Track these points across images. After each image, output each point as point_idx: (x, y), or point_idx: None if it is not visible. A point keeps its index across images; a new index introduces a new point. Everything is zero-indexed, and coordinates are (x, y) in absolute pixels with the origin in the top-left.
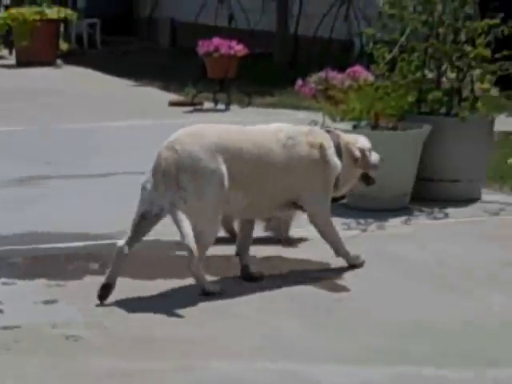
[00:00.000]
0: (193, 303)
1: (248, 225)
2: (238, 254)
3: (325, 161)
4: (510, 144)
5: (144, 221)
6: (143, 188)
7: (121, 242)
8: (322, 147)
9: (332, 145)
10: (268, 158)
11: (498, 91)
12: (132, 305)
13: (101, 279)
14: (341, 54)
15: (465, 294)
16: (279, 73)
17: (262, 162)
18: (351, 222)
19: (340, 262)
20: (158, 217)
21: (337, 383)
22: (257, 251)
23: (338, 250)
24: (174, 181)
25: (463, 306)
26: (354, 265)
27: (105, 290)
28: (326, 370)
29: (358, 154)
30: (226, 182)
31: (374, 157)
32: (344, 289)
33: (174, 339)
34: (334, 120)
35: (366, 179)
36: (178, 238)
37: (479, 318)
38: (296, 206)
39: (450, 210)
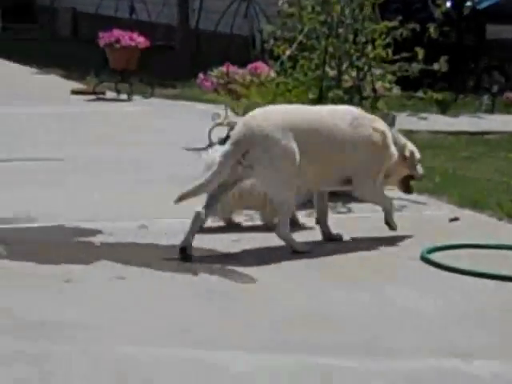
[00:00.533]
0: (98, 289)
1: (321, 196)
2: (318, 221)
3: (385, 146)
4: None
5: (220, 189)
6: (221, 159)
7: (198, 208)
8: (384, 134)
9: (391, 136)
10: (334, 135)
11: (400, 91)
12: (37, 290)
13: (4, 262)
14: (242, 50)
15: (369, 288)
16: (181, 66)
17: (328, 138)
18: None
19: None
20: (232, 186)
21: (244, 370)
22: (163, 240)
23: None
24: (250, 154)
25: (366, 299)
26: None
27: (184, 253)
28: (234, 357)
29: (408, 152)
30: (298, 157)
31: (420, 168)
32: (250, 279)
33: (78, 324)
34: (236, 113)
35: (406, 185)
36: None
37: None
38: (348, 182)
39: (352, 205)
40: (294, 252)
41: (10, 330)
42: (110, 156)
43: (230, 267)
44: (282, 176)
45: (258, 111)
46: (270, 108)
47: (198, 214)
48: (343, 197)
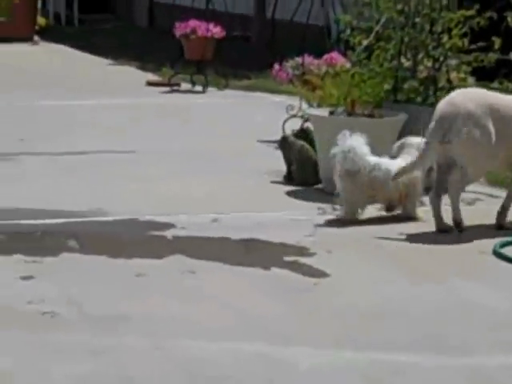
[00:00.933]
0: (169, 283)
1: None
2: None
3: None
4: None
5: (440, 172)
6: (428, 137)
7: (432, 193)
8: None
9: None
10: None
11: (474, 81)
12: (108, 283)
13: (76, 256)
14: (318, 40)
15: (437, 282)
16: (257, 56)
17: None
18: (327, 207)
19: (317, 247)
20: (449, 167)
21: (311, 367)
22: (235, 234)
23: None
24: (451, 130)
25: (433, 294)
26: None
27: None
28: (300, 353)
29: None
30: (494, 138)
31: None
32: (322, 273)
33: (148, 318)
34: (310, 105)
35: None
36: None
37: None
38: None
39: (425, 199)
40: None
41: (80, 324)
42: (183, 148)
43: (302, 261)
44: (478, 152)
45: (460, 91)
46: (472, 89)
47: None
48: None
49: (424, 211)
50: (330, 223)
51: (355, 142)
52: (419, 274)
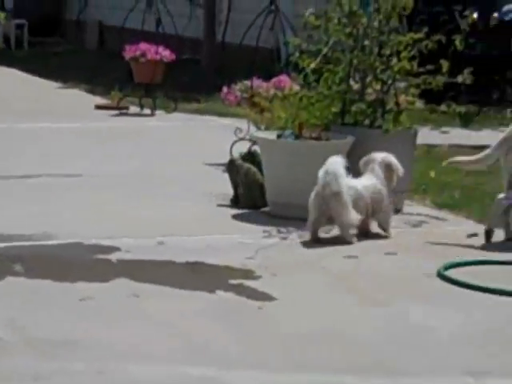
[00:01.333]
0: (113, 307)
1: None
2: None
3: None
4: (434, 157)
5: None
6: (492, 148)
7: (501, 195)
8: None
9: None
10: None
11: (423, 104)
12: (52, 307)
13: (21, 280)
14: (267, 63)
15: (385, 305)
16: (206, 79)
17: None
18: (272, 229)
19: (263, 270)
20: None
21: None
22: (180, 257)
23: None
24: None
25: (381, 317)
26: None
27: (487, 236)
28: (244, 377)
29: None
30: None
31: None
32: (268, 296)
33: (93, 342)
34: (258, 128)
35: None
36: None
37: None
38: None
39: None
40: None
41: (23, 348)
42: (131, 171)
43: (247, 284)
44: None
45: None
46: None
47: (498, 201)
48: None
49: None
50: (276, 246)
51: (335, 165)
52: (366, 297)
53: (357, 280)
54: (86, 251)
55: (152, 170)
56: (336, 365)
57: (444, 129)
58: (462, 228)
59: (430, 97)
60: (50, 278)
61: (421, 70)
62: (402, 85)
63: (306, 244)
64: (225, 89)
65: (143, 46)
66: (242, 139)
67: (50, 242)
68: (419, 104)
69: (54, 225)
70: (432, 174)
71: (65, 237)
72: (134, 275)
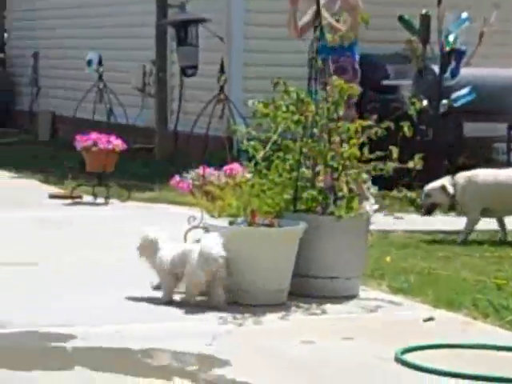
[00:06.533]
0: None
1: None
2: None
3: None
4: (388, 242)
5: None
6: None
7: None
8: None
9: None
10: None
11: (376, 190)
12: None
13: None
14: (220, 151)
15: None
16: (159, 168)
17: None
18: (228, 316)
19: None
20: None
21: None
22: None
23: None
24: None
25: None
26: None
27: None
28: None
29: None
30: None
31: None
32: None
33: None
34: (212, 215)
35: None
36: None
37: None
38: None
39: (327, 307)
40: None
41: None
42: (84, 260)
43: (203, 371)
44: None
45: None
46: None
47: None
48: (318, 298)
49: None
50: (232, 332)
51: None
52: (319, 382)
53: (314, 366)
54: (40, 340)
55: (104, 258)
56: None
57: (398, 214)
58: (417, 313)
59: (383, 183)
60: (5, 367)
61: (371, 156)
62: (352, 171)
63: (262, 330)
64: (177, 177)
65: (94, 135)
66: (195, 227)
67: (2, 331)
68: (373, 190)
69: (7, 313)
70: (388, 259)
71: (18, 326)
72: (88, 363)
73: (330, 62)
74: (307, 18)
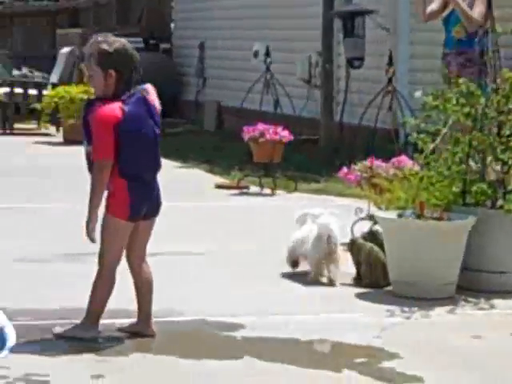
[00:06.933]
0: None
1: None
2: None
3: None
4: None
5: None
6: None
7: None
8: None
9: None
10: None
11: None
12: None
13: (148, 356)
14: (385, 143)
15: None
16: (325, 159)
17: None
18: (395, 309)
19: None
20: None
21: None
22: (304, 335)
23: None
24: None
25: None
26: None
27: None
28: None
29: None
30: None
31: None
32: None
33: None
34: (379, 208)
35: None
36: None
37: None
38: None
39: (496, 301)
40: None
41: None
42: (251, 251)
43: (372, 362)
44: None
45: None
46: None
47: None
48: (486, 293)
49: None
50: (400, 325)
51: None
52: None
53: (484, 359)
54: (210, 328)
55: (270, 249)
56: None
57: None
58: None
59: None
60: (176, 355)
61: None
62: None
63: (430, 324)
64: (344, 169)
65: (261, 126)
66: (362, 219)
67: (174, 319)
68: None
69: (179, 302)
70: None
71: (189, 314)
72: (258, 353)
73: (456, 54)
74: (436, 5)
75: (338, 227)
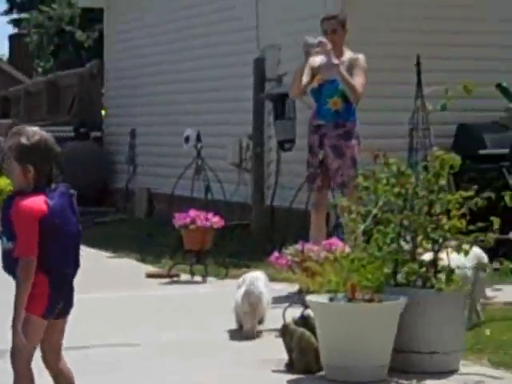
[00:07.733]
0: None
1: None
2: None
3: None
4: (488, 315)
5: None
6: None
7: None
8: None
9: None
10: None
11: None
12: None
13: None
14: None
15: None
16: (256, 244)
17: None
18: None
19: None
20: None
21: None
22: None
23: None
24: None
25: None
26: None
27: None
28: None
29: None
30: None
31: None
32: None
33: None
34: (311, 292)
35: None
36: None
37: None
38: None
39: (428, 382)
40: None
41: None
42: (183, 339)
43: None
44: None
45: None
46: None
47: None
48: (418, 374)
49: None
50: None
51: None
52: None
53: None
54: None
55: (205, 336)
56: None
57: (497, 286)
58: None
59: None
60: None
61: (471, 227)
62: (452, 243)
63: None
64: (275, 253)
65: (193, 213)
66: (294, 303)
67: None
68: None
69: None
70: (487, 331)
71: None
72: None
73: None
74: (306, 78)
75: (264, 283)
